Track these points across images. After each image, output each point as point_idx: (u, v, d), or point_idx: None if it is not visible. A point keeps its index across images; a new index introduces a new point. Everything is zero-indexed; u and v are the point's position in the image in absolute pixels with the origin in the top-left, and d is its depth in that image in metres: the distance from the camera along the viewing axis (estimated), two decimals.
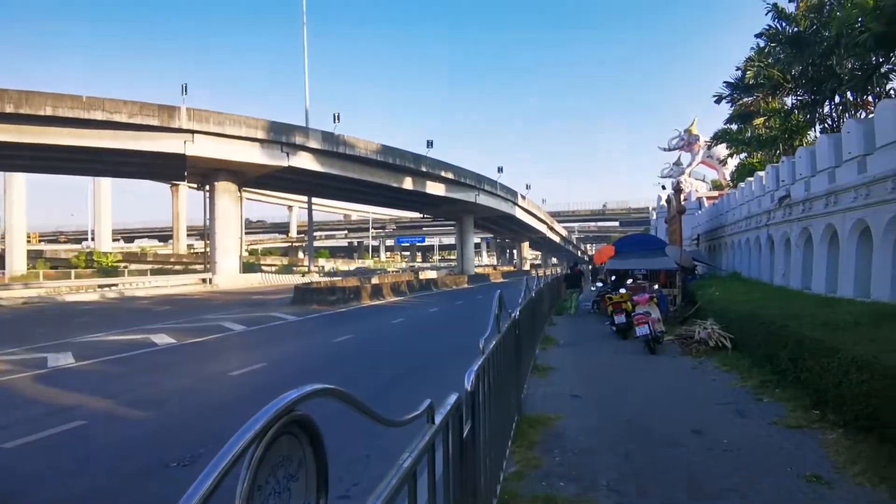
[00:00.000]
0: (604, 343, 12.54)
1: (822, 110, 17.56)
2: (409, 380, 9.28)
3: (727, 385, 7.96)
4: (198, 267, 54.27)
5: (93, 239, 77.79)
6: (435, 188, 55.93)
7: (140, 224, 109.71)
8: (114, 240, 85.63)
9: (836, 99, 16.56)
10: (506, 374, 4.70)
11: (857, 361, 5.32)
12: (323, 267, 75.01)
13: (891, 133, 8.71)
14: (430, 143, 55.41)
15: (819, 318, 7.47)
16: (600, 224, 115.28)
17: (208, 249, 46.59)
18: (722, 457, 5.15)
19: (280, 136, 42.58)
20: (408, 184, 53.14)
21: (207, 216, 46.42)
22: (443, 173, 55.58)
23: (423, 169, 53.28)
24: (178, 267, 62.29)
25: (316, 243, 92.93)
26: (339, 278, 35.71)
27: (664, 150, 46.47)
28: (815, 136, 17.53)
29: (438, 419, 1.87)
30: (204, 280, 42.50)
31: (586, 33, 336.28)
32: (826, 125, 17.42)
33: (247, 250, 71.63)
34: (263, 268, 60.90)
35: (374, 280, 32.21)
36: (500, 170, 65.82)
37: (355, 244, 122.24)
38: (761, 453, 5.22)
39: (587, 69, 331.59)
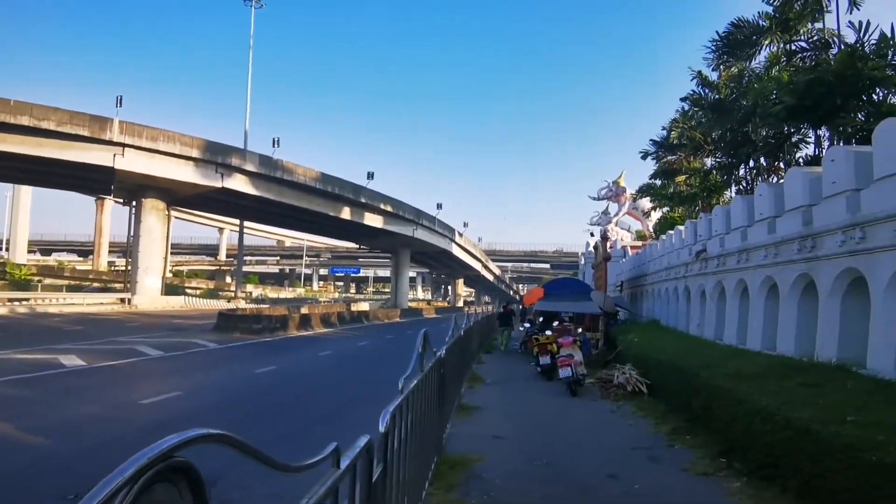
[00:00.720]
0: (529, 383, 12.72)
1: (738, 172, 18.76)
2: (332, 416, 9.04)
3: (642, 430, 8.18)
4: (118, 285, 51.45)
5: (7, 249, 72.76)
6: (373, 220, 55.74)
7: (59, 237, 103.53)
8: (30, 251, 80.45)
9: (751, 163, 17.76)
10: (427, 414, 4.66)
11: (762, 413, 5.59)
12: (251, 293, 72.82)
13: (798, 198, 9.39)
14: (370, 175, 55.40)
15: (729, 368, 7.84)
16: (532, 265, 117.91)
17: (130, 268, 44.40)
18: (634, 502, 5.27)
19: (216, 156, 41.53)
20: (346, 214, 52.75)
21: (132, 233, 44.37)
22: (382, 206, 55.54)
23: (363, 200, 53.07)
24: (96, 284, 58.80)
25: (246, 268, 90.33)
26: (267, 306, 34.67)
27: (594, 199, 48.50)
28: (731, 196, 18.64)
29: (345, 463, 1.83)
30: (123, 300, 40.41)
31: (529, 83, 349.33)
32: (741, 187, 18.59)
33: (171, 271, 68.64)
34: (188, 290, 58.54)
35: (304, 310, 31.46)
36: (439, 206, 66.30)
37: (287, 271, 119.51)
38: (670, 499, 5.38)
39: (525, 118, 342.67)
